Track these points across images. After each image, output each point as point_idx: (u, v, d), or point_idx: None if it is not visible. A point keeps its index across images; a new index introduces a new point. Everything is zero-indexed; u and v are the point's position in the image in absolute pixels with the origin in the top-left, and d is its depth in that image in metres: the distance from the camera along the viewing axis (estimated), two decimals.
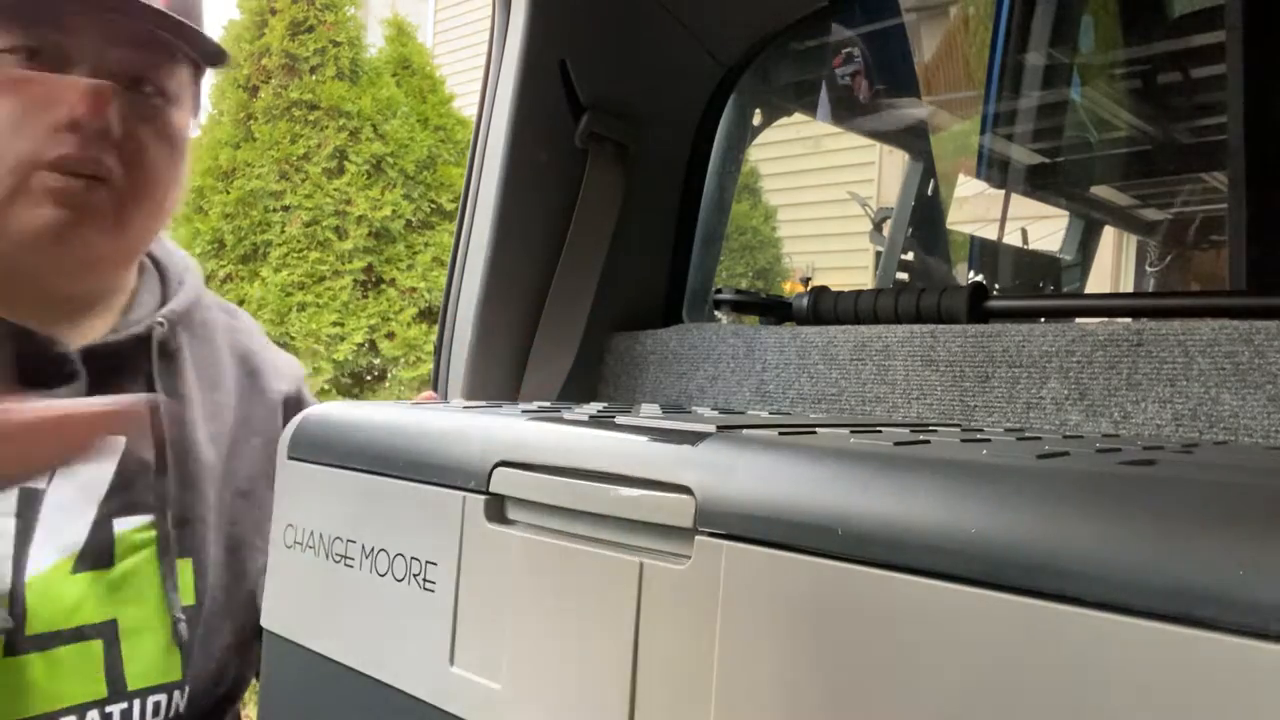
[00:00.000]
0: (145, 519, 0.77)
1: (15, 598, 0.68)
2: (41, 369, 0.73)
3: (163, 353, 0.81)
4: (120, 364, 0.78)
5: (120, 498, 0.75)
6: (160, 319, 0.81)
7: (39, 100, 0.70)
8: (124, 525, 0.75)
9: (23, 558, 0.69)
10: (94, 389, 0.75)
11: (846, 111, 2.36)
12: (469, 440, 0.51)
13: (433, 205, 5.57)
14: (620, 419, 0.50)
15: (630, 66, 1.06)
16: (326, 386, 4.78)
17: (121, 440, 0.76)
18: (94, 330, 0.79)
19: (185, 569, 0.78)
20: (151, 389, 0.79)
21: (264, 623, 0.64)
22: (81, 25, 0.70)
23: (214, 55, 0.79)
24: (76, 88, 0.70)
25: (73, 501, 0.73)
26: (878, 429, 0.52)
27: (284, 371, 0.94)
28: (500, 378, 1.01)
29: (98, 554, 0.73)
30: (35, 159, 0.70)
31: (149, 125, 0.75)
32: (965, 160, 2.67)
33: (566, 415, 0.52)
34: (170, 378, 0.81)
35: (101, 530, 0.74)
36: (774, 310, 1.14)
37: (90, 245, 0.74)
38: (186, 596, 0.78)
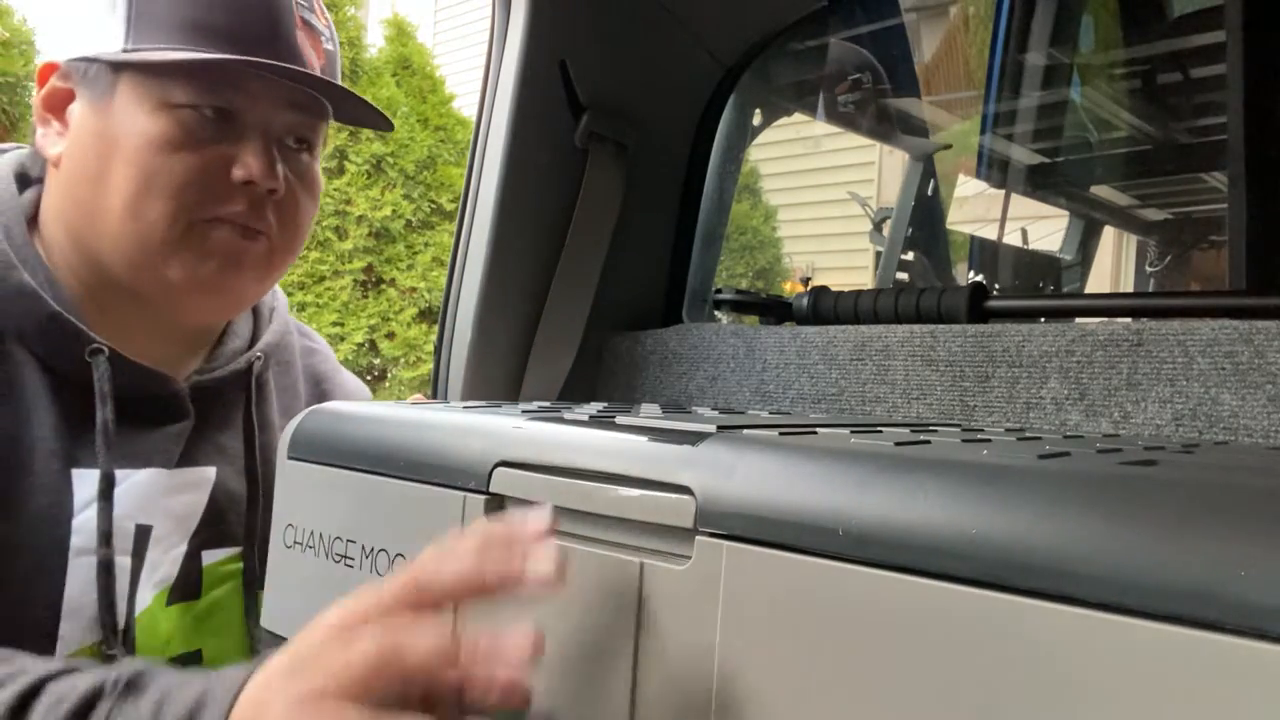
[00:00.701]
0: (232, 550, 0.78)
1: (128, 633, 0.70)
2: (159, 407, 0.75)
3: (256, 384, 0.83)
4: (221, 397, 0.80)
5: (210, 530, 0.77)
6: (259, 353, 0.83)
7: (219, 160, 0.72)
8: (212, 557, 0.77)
9: (134, 595, 0.71)
10: (199, 423, 0.77)
11: (846, 127, 2.36)
12: (469, 440, 0.51)
13: (433, 205, 5.57)
14: (620, 419, 0.50)
15: (630, 66, 1.06)
16: None
17: (213, 471, 0.78)
18: (193, 360, 0.81)
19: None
20: (248, 419, 0.81)
21: (264, 623, 0.64)
22: (259, 91, 0.73)
23: (378, 122, 0.82)
24: (253, 151, 0.73)
25: (169, 534, 0.74)
26: (878, 429, 0.52)
27: (352, 397, 0.96)
28: (500, 378, 1.01)
29: (187, 586, 0.75)
30: (209, 214, 0.72)
31: (301, 181, 0.78)
32: (965, 160, 2.67)
33: (566, 415, 0.52)
34: (261, 408, 0.83)
35: (192, 562, 0.76)
36: (774, 310, 1.14)
37: (243, 293, 0.78)
38: None
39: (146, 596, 0.72)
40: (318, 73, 0.76)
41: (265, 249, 0.76)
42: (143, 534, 0.72)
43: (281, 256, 0.78)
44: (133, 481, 0.72)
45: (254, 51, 0.71)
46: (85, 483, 0.70)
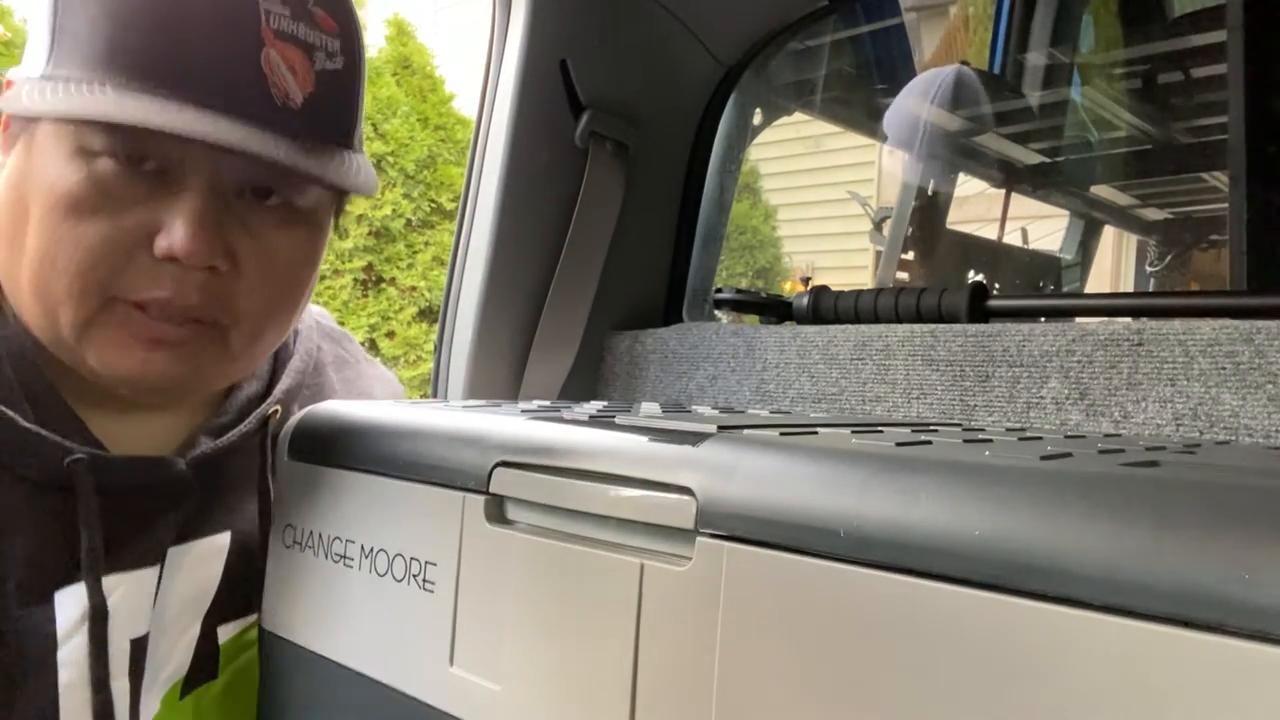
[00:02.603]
0: (250, 620, 0.68)
1: None
2: (157, 496, 0.62)
3: (273, 441, 0.69)
4: (233, 459, 0.67)
5: (227, 602, 0.67)
6: (276, 404, 0.69)
7: (141, 227, 0.56)
8: (229, 631, 0.68)
9: (136, 715, 0.61)
10: (205, 496, 0.65)
11: (847, 125, 2.37)
12: (469, 440, 0.51)
13: (433, 205, 5.57)
14: (620, 419, 0.49)
15: (630, 66, 1.06)
16: None
17: (226, 538, 0.67)
18: (197, 416, 0.68)
19: None
20: (263, 481, 0.68)
21: (263, 623, 0.64)
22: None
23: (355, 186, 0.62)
24: (185, 214, 0.56)
25: (176, 620, 0.64)
26: (879, 429, 0.52)
27: None
28: (500, 377, 1.01)
29: (203, 670, 0.66)
30: (127, 296, 0.57)
31: (265, 249, 0.60)
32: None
33: (566, 415, 0.52)
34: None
35: (207, 643, 0.66)
36: (774, 310, 1.14)
37: (198, 382, 0.63)
38: None
39: (154, 704, 0.63)
40: (297, 101, 0.57)
41: (217, 335, 0.60)
42: (139, 648, 0.61)
43: (247, 342, 0.62)
44: (124, 592, 0.60)
45: (189, 85, 0.54)
46: (69, 603, 0.58)
